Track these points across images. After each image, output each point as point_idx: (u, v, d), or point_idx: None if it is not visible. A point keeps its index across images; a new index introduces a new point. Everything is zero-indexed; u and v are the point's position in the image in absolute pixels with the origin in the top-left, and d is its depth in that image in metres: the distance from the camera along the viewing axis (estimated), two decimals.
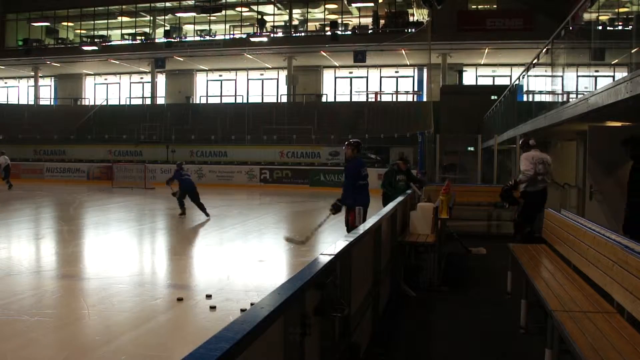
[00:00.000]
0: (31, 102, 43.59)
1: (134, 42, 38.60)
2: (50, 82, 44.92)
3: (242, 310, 6.47)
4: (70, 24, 41.20)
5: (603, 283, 4.73)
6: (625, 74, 6.55)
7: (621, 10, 12.76)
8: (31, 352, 5.53)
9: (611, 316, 4.23)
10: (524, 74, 16.32)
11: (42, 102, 44.09)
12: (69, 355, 5.49)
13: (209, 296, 7.33)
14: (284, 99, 37.97)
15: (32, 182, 31.56)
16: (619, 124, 9.75)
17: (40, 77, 43.59)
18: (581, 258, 5.49)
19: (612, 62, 10.82)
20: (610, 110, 7.23)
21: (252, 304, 3.46)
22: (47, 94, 45.09)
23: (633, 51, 7.14)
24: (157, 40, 38.27)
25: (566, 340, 3.78)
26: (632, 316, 4.00)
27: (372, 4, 35.00)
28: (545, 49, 12.28)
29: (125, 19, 39.28)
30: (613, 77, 10.29)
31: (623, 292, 4.18)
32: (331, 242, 6.54)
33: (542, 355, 4.50)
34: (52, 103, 44.35)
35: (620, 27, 12.54)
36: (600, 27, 10.37)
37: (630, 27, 9.12)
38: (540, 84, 14.63)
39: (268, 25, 36.60)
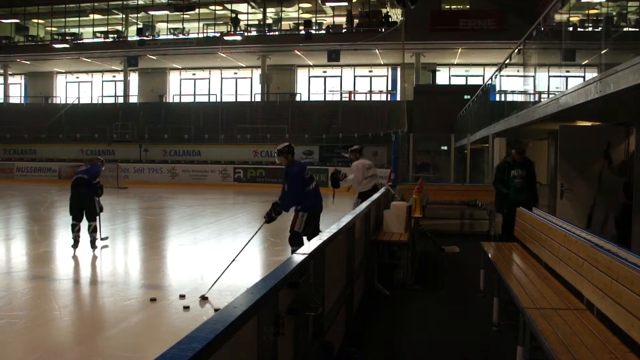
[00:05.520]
0: (0, 101, 42.78)
1: (106, 40, 38.09)
2: (20, 80, 44.11)
3: (216, 310, 6.44)
4: (40, 21, 40.48)
5: (573, 280, 4.80)
6: (595, 74, 6.63)
7: (591, 12, 12.96)
8: (1, 355, 5.44)
9: (581, 313, 4.29)
10: (496, 73, 16.46)
11: (11, 101, 43.37)
12: (40, 358, 5.41)
13: (182, 296, 7.27)
14: (258, 98, 37.86)
15: (1, 182, 31.00)
16: (589, 123, 9.90)
17: (10, 75, 42.85)
18: (552, 256, 5.56)
19: (583, 63, 10.96)
20: (581, 110, 7.32)
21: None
22: (17, 92, 44.33)
23: (602, 52, 7.24)
24: (129, 39, 37.88)
25: (537, 337, 3.83)
26: (602, 312, 4.06)
27: (346, 3, 35.01)
28: (517, 49, 12.40)
29: (97, 16, 38.73)
30: (583, 77, 10.43)
31: (592, 289, 4.24)
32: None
33: (514, 352, 4.55)
34: (22, 101, 43.60)
35: (590, 28, 12.70)
36: (570, 28, 10.52)
37: (600, 28, 9.26)
38: (513, 83, 14.78)
39: (242, 23, 36.47)
